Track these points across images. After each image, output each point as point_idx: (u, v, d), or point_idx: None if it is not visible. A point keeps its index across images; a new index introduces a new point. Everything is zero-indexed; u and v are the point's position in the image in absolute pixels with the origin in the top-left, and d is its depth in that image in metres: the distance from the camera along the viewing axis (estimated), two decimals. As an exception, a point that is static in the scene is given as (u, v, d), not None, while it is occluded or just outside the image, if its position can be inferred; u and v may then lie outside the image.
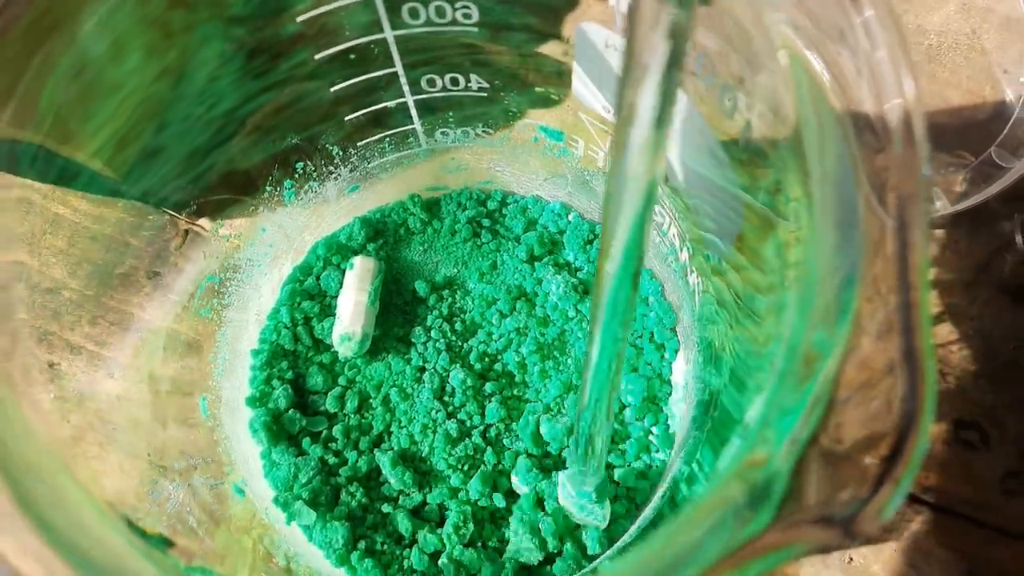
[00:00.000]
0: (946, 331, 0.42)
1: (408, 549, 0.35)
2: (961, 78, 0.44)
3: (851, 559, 0.39)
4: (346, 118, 0.34)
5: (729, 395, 0.27)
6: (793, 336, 0.17)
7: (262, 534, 0.33)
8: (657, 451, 0.36)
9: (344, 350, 0.38)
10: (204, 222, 0.36)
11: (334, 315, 0.39)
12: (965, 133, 0.43)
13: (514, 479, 0.36)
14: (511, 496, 0.36)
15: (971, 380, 0.41)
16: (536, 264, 0.41)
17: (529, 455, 0.36)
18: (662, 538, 0.15)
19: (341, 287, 0.39)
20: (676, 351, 0.38)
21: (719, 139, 0.25)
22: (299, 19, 0.27)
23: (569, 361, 0.39)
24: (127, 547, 0.21)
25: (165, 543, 0.27)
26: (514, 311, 0.40)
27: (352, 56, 0.30)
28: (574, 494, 0.33)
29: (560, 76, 0.33)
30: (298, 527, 0.35)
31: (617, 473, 0.36)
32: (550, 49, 0.33)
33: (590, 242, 0.41)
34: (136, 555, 0.20)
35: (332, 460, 0.37)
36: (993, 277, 0.43)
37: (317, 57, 0.29)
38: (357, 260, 0.39)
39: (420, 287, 0.40)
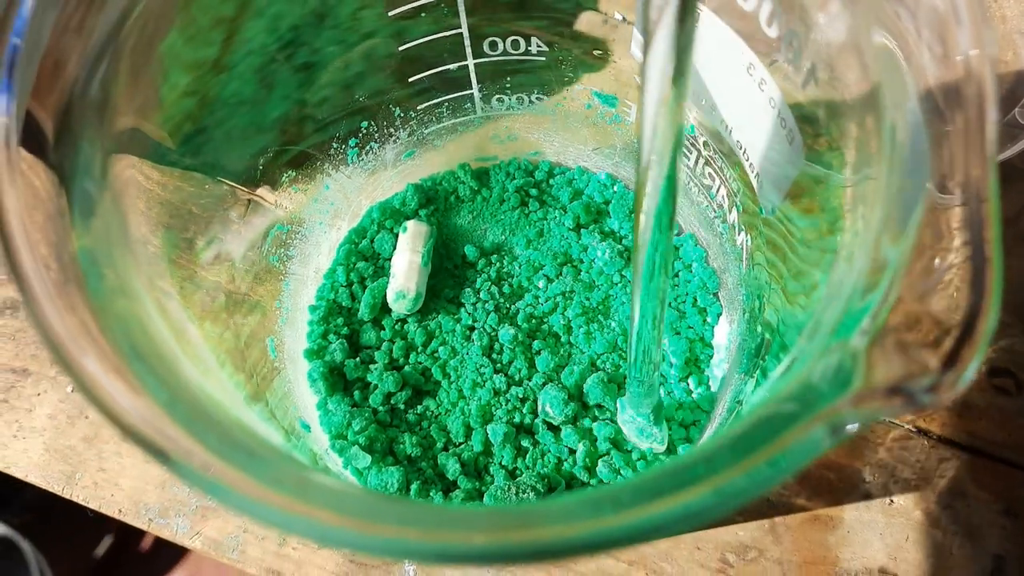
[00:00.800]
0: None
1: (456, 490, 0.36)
2: (984, 42, 0.46)
3: (892, 500, 0.40)
4: (410, 79, 0.35)
5: (779, 338, 0.29)
6: (861, 243, 0.18)
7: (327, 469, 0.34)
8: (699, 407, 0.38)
9: (398, 307, 0.40)
10: (265, 192, 0.37)
11: (387, 276, 0.41)
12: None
13: (548, 408, 0.37)
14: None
15: (1002, 329, 0.43)
16: (582, 232, 0.42)
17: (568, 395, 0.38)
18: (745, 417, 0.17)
19: (395, 249, 0.41)
20: (719, 315, 0.40)
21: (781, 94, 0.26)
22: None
23: (613, 324, 0.40)
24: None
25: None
26: (560, 276, 0.41)
27: (422, 14, 0.31)
28: (633, 416, 0.35)
29: (609, 41, 0.34)
30: (351, 474, 0.36)
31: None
32: (588, 22, 0.35)
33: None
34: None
35: (384, 409, 0.38)
36: (1020, 232, 0.45)
37: (391, 14, 0.31)
38: (411, 224, 0.41)
39: (470, 251, 0.42)
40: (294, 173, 0.36)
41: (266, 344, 0.35)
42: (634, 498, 0.15)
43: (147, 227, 0.39)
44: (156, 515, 0.39)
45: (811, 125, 0.25)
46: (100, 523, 0.71)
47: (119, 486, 0.40)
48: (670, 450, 0.37)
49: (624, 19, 0.35)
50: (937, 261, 0.17)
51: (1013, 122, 0.45)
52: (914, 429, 0.41)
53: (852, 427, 0.16)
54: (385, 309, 0.40)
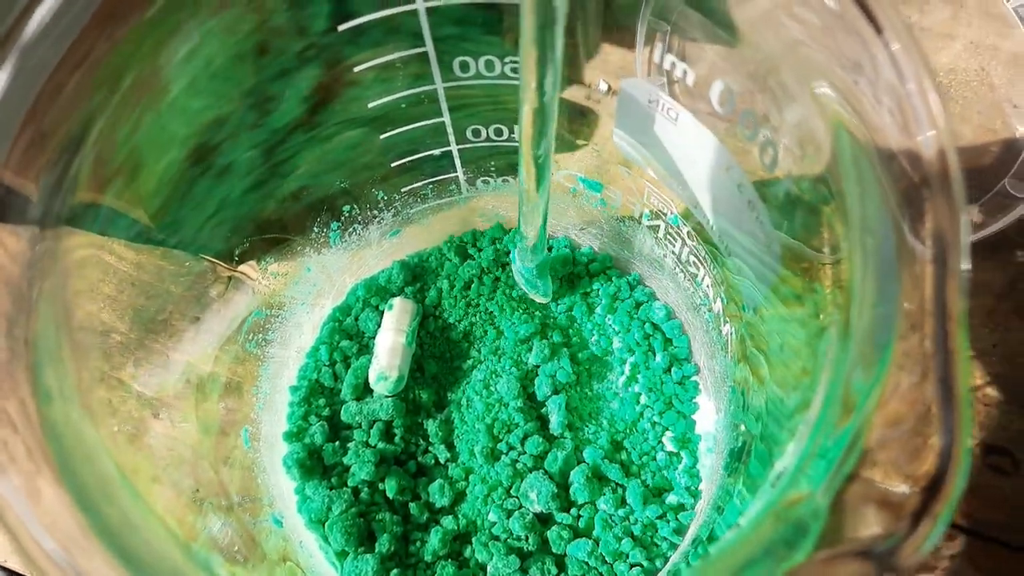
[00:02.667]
0: (970, 358, 0.43)
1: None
2: (972, 114, 0.45)
3: (890, 585, 0.39)
4: (392, 164, 0.35)
5: (761, 442, 0.28)
6: (833, 378, 0.18)
7: (295, 568, 0.34)
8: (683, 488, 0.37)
9: (380, 388, 0.39)
10: (247, 268, 0.37)
11: (371, 354, 0.40)
12: (979, 166, 0.45)
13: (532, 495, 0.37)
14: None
15: (998, 407, 0.42)
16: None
17: None
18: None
19: (379, 327, 0.41)
20: (693, 399, 0.39)
21: (750, 180, 0.26)
22: (355, 70, 0.29)
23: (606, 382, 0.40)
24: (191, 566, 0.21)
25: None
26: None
27: (403, 105, 0.31)
28: (522, 270, 0.39)
29: (585, 119, 0.34)
30: (326, 560, 0.36)
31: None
32: (572, 95, 0.35)
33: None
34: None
35: (365, 491, 0.37)
36: (1014, 303, 0.44)
37: (370, 106, 0.31)
38: (396, 301, 0.41)
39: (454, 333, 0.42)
40: (272, 259, 0.36)
41: (239, 434, 0.35)
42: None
43: (114, 312, 0.39)
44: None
45: (785, 214, 0.24)
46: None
47: None
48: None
49: (609, 88, 0.35)
50: (909, 399, 0.16)
51: (1003, 192, 0.44)
52: (909, 510, 0.40)
53: None
54: (368, 388, 0.40)
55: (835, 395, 0.16)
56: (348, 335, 0.42)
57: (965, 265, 0.16)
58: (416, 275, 0.43)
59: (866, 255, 0.18)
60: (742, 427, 0.29)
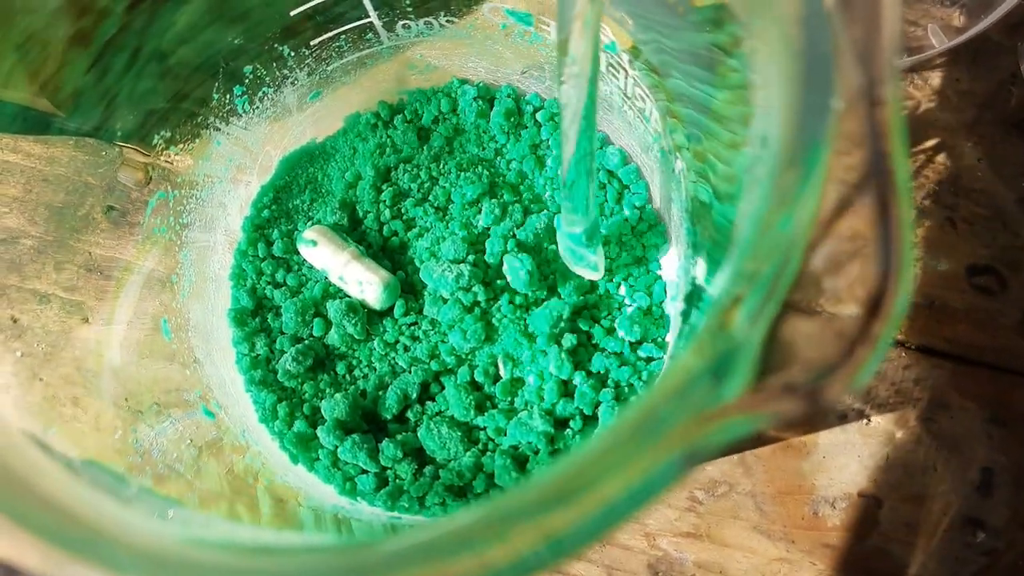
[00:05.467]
0: (951, 174, 0.40)
1: None
2: (950, -100, 0.41)
3: (868, 420, 0.38)
4: (291, 13, 0.31)
5: (707, 281, 0.26)
6: (760, 201, 0.15)
7: (242, 456, 0.32)
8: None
9: (388, 299, 0.37)
10: (145, 145, 0.34)
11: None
12: (959, -40, 0.40)
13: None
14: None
15: (982, 223, 0.40)
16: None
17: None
18: (627, 410, 0.14)
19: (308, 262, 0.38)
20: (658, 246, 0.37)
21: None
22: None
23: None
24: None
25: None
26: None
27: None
28: (570, 242, 0.33)
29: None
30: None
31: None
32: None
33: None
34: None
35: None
36: (998, 113, 0.41)
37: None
38: (311, 232, 0.37)
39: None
40: (168, 132, 0.32)
41: (159, 328, 0.32)
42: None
43: (23, 216, 0.36)
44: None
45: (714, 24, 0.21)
46: None
47: None
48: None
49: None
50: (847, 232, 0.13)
51: (987, -11, 0.40)
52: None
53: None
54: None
55: (761, 218, 0.14)
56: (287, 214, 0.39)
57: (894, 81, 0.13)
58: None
59: (792, 53, 0.14)
60: (695, 271, 0.27)
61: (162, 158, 0.33)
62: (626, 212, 0.37)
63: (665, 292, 0.35)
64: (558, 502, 0.13)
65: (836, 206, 0.13)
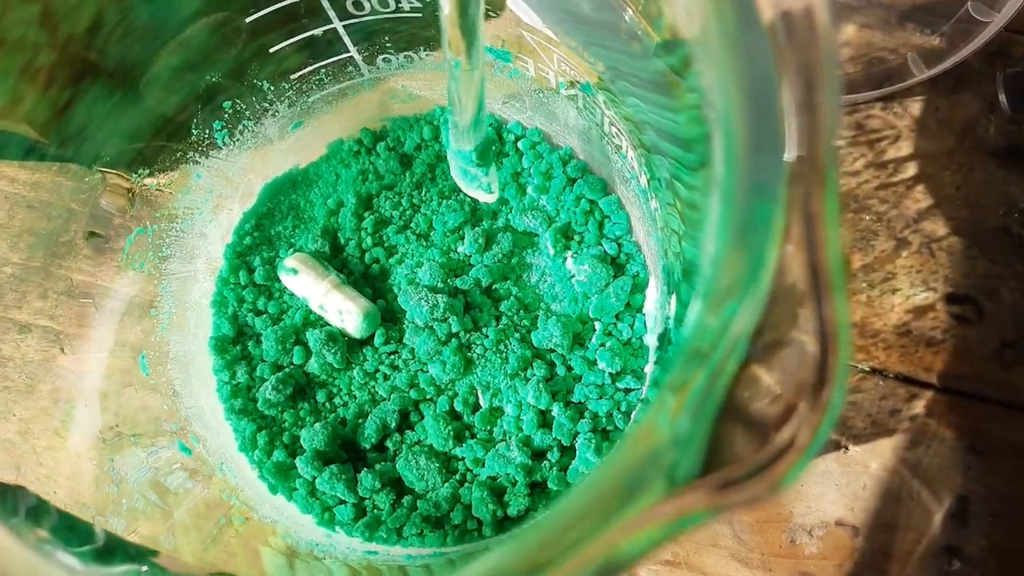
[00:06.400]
0: (929, 202, 0.40)
1: None
2: (929, -69, 0.41)
3: (847, 448, 0.38)
4: (271, 50, 0.31)
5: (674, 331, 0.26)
6: (708, 281, 0.15)
7: (218, 489, 0.32)
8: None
9: (368, 328, 0.37)
10: (125, 177, 0.34)
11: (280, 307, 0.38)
12: (938, -10, 0.40)
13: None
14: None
15: (960, 251, 0.40)
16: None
17: None
18: (580, 486, 0.14)
19: (289, 290, 0.38)
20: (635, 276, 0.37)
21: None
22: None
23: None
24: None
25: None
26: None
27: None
28: (460, 161, 0.33)
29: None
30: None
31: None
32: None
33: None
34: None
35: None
36: (977, 141, 0.41)
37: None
38: (292, 260, 0.37)
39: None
40: (146, 169, 0.32)
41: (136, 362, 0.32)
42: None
43: (6, 242, 0.36)
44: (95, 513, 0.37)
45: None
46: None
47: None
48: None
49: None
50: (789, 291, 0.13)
51: (966, 17, 0.40)
52: (867, 369, 0.39)
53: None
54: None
55: (711, 293, 0.14)
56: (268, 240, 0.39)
57: (833, 110, 0.13)
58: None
59: (739, 105, 0.14)
60: (668, 310, 0.27)
61: (142, 190, 0.33)
62: (599, 239, 0.37)
63: (645, 325, 0.36)
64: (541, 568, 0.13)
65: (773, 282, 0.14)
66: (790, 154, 0.14)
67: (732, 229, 0.13)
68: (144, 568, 0.24)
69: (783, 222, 0.14)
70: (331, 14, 0.30)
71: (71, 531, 0.22)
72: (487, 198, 0.36)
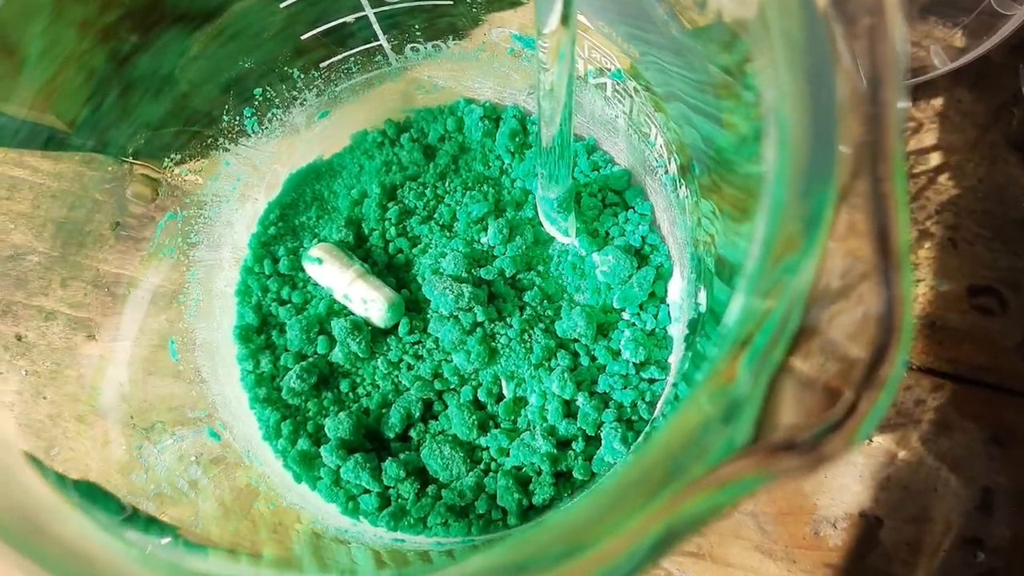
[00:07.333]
0: (952, 194, 0.40)
1: None
2: (953, -75, 0.41)
3: (870, 440, 0.38)
4: (302, 37, 0.31)
5: (717, 311, 0.26)
6: (764, 245, 0.15)
7: (245, 476, 0.32)
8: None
9: (392, 318, 0.37)
10: (156, 165, 0.34)
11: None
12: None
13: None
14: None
15: (983, 244, 0.40)
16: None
17: None
18: (637, 457, 0.14)
19: (313, 279, 0.38)
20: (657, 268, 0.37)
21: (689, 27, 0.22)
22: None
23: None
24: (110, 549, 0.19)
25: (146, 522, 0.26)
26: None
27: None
28: (545, 206, 0.36)
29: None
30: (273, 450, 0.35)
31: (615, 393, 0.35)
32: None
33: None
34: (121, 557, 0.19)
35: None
36: (1000, 133, 0.41)
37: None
38: (317, 250, 0.37)
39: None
40: (178, 155, 0.32)
41: (166, 346, 0.32)
42: None
43: (31, 231, 0.36)
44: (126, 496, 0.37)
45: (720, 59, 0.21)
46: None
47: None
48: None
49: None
50: (848, 261, 0.13)
51: (989, 10, 0.40)
52: (892, 362, 0.39)
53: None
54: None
55: (766, 263, 0.14)
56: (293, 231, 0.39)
57: (902, 103, 0.13)
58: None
59: (797, 94, 0.15)
60: (699, 297, 0.27)
61: (172, 177, 0.33)
62: (624, 228, 0.38)
63: (669, 315, 0.36)
64: (578, 548, 0.13)
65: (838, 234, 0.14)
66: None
67: (792, 182, 0.13)
68: (165, 540, 0.24)
69: (842, 183, 0.14)
70: (363, 1, 0.30)
71: (99, 499, 0.22)
72: (565, 240, 0.38)
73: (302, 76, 0.34)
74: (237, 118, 0.34)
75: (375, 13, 0.31)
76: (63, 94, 0.31)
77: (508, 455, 0.35)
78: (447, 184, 0.39)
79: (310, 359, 0.37)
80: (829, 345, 0.14)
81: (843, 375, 0.14)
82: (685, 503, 0.14)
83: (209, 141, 0.33)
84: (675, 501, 0.13)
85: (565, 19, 0.21)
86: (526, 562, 0.13)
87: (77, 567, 0.16)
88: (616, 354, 0.36)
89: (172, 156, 0.32)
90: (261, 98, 0.34)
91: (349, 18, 0.31)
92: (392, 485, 0.35)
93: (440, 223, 0.39)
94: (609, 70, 0.31)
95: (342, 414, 0.35)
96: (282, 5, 0.29)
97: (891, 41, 0.14)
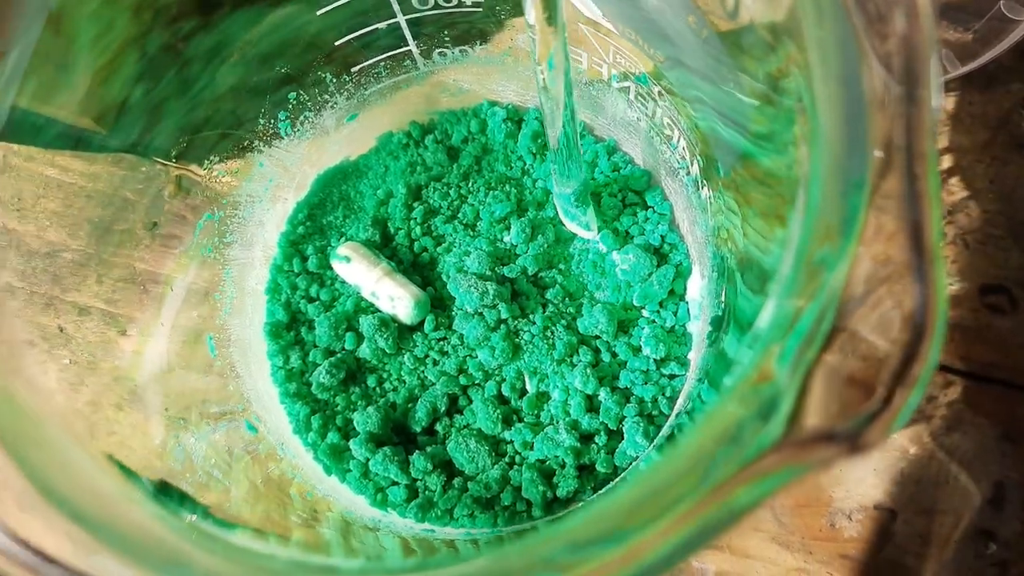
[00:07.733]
0: (963, 195, 0.41)
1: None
2: (965, -69, 0.42)
3: (886, 434, 0.39)
4: (336, 43, 0.32)
5: (740, 309, 0.26)
6: (799, 247, 0.16)
7: (278, 468, 0.33)
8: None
9: (418, 315, 0.38)
10: (196, 167, 0.35)
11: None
12: (973, -11, 0.41)
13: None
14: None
15: (994, 243, 0.41)
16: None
17: None
18: (673, 452, 0.15)
19: (341, 277, 0.39)
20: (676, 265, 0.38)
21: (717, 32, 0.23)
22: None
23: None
24: (145, 513, 0.21)
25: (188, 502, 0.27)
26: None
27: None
28: (563, 202, 0.37)
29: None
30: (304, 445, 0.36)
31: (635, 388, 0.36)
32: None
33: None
34: (155, 521, 0.20)
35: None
36: (1010, 136, 0.42)
37: (299, -21, 0.28)
38: (345, 248, 0.38)
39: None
40: (217, 157, 0.33)
41: (204, 342, 0.33)
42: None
43: (64, 229, 0.37)
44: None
45: (750, 63, 0.22)
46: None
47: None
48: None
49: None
50: (877, 265, 0.14)
51: (999, 15, 0.41)
52: (905, 358, 0.40)
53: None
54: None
55: (800, 266, 0.15)
56: (320, 230, 0.40)
57: (936, 101, 0.14)
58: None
59: (829, 97, 0.15)
60: (723, 295, 0.28)
61: (211, 179, 0.34)
62: (644, 228, 0.39)
63: (688, 313, 0.37)
64: (613, 539, 0.14)
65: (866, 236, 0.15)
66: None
67: (827, 183, 0.14)
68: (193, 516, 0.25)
69: (875, 184, 0.15)
70: (396, 8, 0.31)
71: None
72: (587, 235, 0.38)
73: (334, 80, 0.35)
74: (272, 121, 0.35)
75: (406, 20, 0.32)
76: (106, 95, 0.32)
77: (532, 448, 0.36)
78: (470, 184, 0.40)
79: (338, 355, 0.38)
80: (863, 342, 0.14)
81: (876, 370, 0.14)
82: (725, 496, 0.15)
83: (245, 144, 0.34)
84: (715, 494, 0.14)
85: (551, 19, 0.21)
86: (552, 556, 0.14)
87: (120, 530, 0.17)
88: (637, 350, 0.37)
89: (211, 159, 0.33)
90: (295, 102, 0.35)
91: (382, 24, 0.32)
92: (419, 477, 0.36)
93: (464, 222, 0.40)
94: (634, 74, 0.32)
95: (370, 408, 0.36)
96: (318, 12, 0.30)
97: (925, 38, 0.15)
